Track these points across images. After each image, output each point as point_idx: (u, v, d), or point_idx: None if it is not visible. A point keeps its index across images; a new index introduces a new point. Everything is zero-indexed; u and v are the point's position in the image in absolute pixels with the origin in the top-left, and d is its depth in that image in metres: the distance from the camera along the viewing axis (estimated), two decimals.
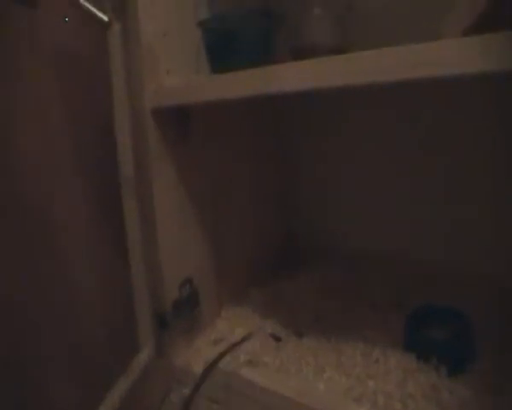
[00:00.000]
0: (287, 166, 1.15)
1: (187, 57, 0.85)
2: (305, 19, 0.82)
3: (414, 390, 0.73)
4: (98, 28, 0.77)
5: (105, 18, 0.76)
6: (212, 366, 0.82)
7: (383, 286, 0.98)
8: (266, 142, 1.10)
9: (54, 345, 0.77)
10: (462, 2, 0.61)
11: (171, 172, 0.84)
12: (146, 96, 0.78)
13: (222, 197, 0.96)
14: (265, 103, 1.07)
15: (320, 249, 1.13)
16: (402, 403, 0.71)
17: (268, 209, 1.10)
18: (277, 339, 0.88)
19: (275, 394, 0.76)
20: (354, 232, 1.11)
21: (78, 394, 0.82)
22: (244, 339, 0.87)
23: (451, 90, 0.89)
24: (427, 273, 0.97)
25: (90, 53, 0.85)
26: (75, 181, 0.85)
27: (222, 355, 0.84)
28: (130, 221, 0.83)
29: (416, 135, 0.99)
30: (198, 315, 0.92)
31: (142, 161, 0.80)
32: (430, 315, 0.84)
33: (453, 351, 0.78)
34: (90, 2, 0.74)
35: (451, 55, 0.52)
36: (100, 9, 0.75)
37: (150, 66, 0.78)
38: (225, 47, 0.77)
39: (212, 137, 0.92)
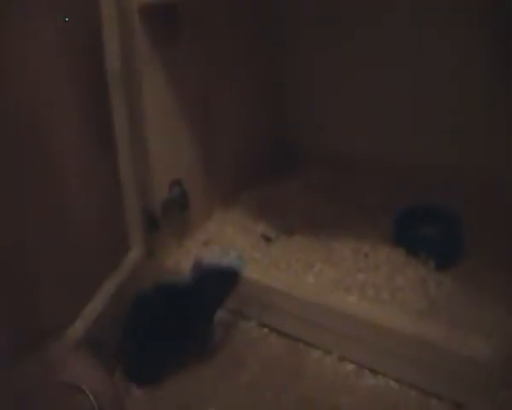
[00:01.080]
0: (274, 71, 1.13)
1: None
2: None
3: (402, 283, 0.74)
4: None
5: None
6: None
7: (371, 188, 0.98)
8: (254, 47, 1.07)
9: (43, 248, 0.76)
10: None
11: (159, 71, 0.82)
12: None
13: (210, 101, 0.94)
14: (254, 6, 1.04)
15: (308, 154, 1.12)
16: (390, 294, 0.72)
17: (256, 115, 1.09)
18: (268, 239, 0.88)
19: (265, 287, 0.76)
20: (342, 137, 1.09)
21: (68, 294, 0.82)
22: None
23: None
24: (415, 177, 0.96)
25: None
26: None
27: None
28: (119, 117, 0.82)
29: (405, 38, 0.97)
30: (188, 217, 0.91)
31: (129, 60, 0.78)
32: (419, 214, 0.84)
33: (441, 246, 0.79)
34: None
35: None
36: None
37: None
38: None
39: (200, 40, 0.90)
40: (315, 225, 0.89)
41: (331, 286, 0.75)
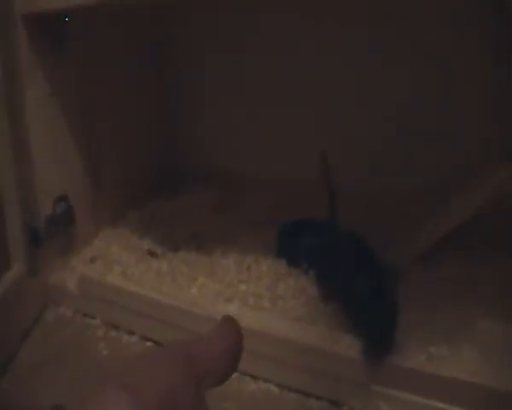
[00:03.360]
0: (167, 83, 1.14)
1: None
2: None
3: (283, 292, 0.76)
4: None
5: None
6: None
7: (260, 205, 1.00)
8: (146, 65, 1.08)
9: None
10: None
11: (43, 83, 0.81)
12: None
13: (98, 116, 0.94)
14: (147, 29, 1.06)
15: (197, 171, 1.13)
16: (271, 302, 0.74)
17: (146, 133, 1.09)
18: (153, 254, 0.88)
19: (147, 299, 0.76)
20: (232, 154, 1.12)
21: None
22: None
23: None
24: (302, 192, 0.99)
25: None
26: None
27: None
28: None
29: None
30: (74, 234, 0.90)
31: (11, 69, 0.77)
32: (301, 227, 0.86)
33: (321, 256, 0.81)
34: None
35: None
36: None
37: None
38: None
39: (90, 54, 0.90)
40: (200, 240, 0.90)
41: (213, 297, 0.75)
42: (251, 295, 0.75)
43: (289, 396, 0.67)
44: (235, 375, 0.70)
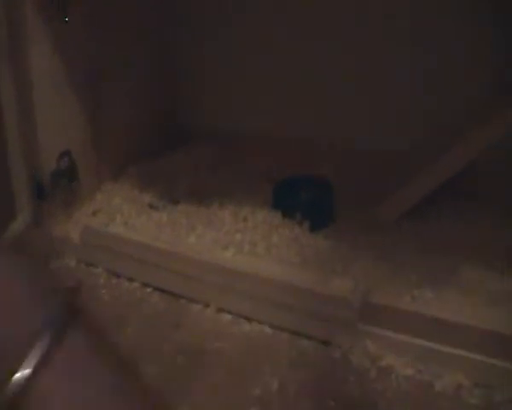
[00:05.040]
0: (167, 42, 1.15)
1: None
2: None
3: (278, 241, 0.79)
4: None
5: None
6: None
7: (255, 161, 1.03)
8: (147, 23, 1.10)
9: None
10: None
11: (47, 41, 0.83)
12: None
13: (100, 75, 0.96)
14: None
15: (198, 131, 1.15)
16: (266, 250, 0.77)
17: (147, 91, 1.11)
18: (154, 207, 0.91)
19: (148, 247, 0.79)
20: (231, 113, 1.14)
21: None
22: None
23: None
24: (300, 151, 1.02)
25: None
26: None
27: None
28: (4, 87, 0.82)
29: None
30: (77, 188, 0.93)
31: (16, 28, 0.79)
32: (297, 183, 0.89)
33: (315, 209, 0.85)
34: None
35: None
36: None
37: None
38: None
39: (92, 14, 0.92)
40: (199, 194, 0.93)
41: (210, 245, 0.79)
42: (246, 243, 0.78)
43: (282, 336, 0.71)
44: (229, 317, 0.74)
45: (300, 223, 0.82)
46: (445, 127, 0.86)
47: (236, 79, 1.12)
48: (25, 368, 0.33)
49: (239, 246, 0.77)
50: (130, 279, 0.82)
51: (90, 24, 0.91)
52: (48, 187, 0.87)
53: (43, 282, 0.42)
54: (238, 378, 0.65)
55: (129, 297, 0.80)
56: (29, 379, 0.33)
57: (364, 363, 0.65)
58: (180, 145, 1.11)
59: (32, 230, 0.87)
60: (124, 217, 0.87)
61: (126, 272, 0.83)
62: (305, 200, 0.86)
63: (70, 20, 0.86)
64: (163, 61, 1.15)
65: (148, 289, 0.81)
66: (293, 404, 0.61)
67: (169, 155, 1.07)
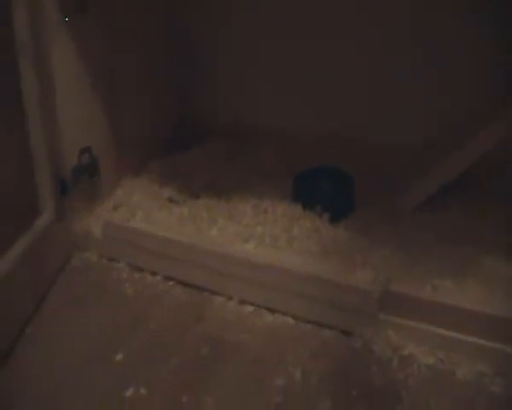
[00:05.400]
0: (180, 46, 1.17)
1: None
2: None
3: (298, 233, 0.80)
4: None
5: None
6: None
7: (273, 156, 1.05)
8: (160, 22, 1.11)
9: None
10: None
11: (68, 41, 0.84)
12: None
13: (117, 73, 0.97)
14: None
15: (213, 127, 1.16)
16: (287, 242, 0.78)
17: (162, 89, 1.12)
18: (174, 202, 0.92)
19: (169, 241, 0.81)
20: (246, 110, 1.15)
21: None
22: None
23: None
24: (316, 146, 1.03)
25: None
26: None
27: None
28: (28, 86, 0.84)
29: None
30: (98, 184, 0.94)
31: (39, 29, 0.80)
32: (316, 174, 0.90)
33: (335, 201, 0.85)
34: None
35: None
36: None
37: None
38: None
39: (107, 14, 0.93)
40: (218, 188, 0.94)
41: (232, 238, 0.80)
42: (267, 235, 0.79)
43: (304, 327, 0.72)
44: (251, 308, 0.75)
45: (320, 215, 0.83)
46: (459, 125, 0.87)
47: (250, 79, 1.13)
48: None
49: (260, 238, 0.78)
50: (153, 273, 0.84)
51: (104, 24, 0.92)
52: (70, 183, 0.88)
53: None
54: (261, 369, 0.66)
55: (152, 291, 0.81)
56: None
57: (386, 352, 0.66)
58: (195, 141, 1.12)
59: (55, 225, 0.88)
60: (145, 212, 0.88)
61: (148, 265, 0.84)
62: (324, 192, 0.86)
63: (87, 19, 0.88)
64: (177, 62, 1.17)
65: (171, 283, 0.82)
66: (315, 393, 0.62)
67: (185, 151, 1.08)
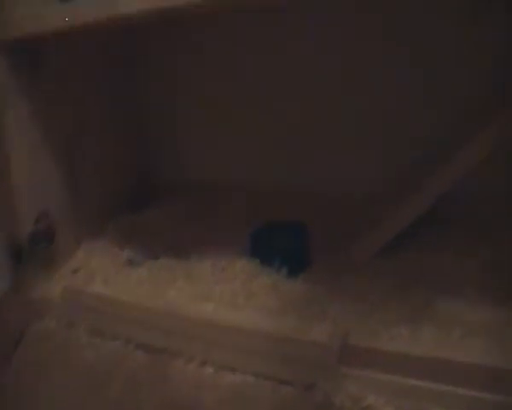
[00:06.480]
0: (139, 103, 1.18)
1: None
2: None
3: (257, 289, 0.81)
4: None
5: None
6: None
7: (231, 212, 1.06)
8: (119, 88, 1.13)
9: None
10: None
11: (22, 105, 0.85)
12: None
13: (76, 134, 0.98)
14: (116, 40, 1.11)
15: (172, 185, 1.18)
16: (245, 299, 0.78)
17: (120, 151, 1.13)
18: (134, 264, 0.92)
19: (128, 304, 0.80)
20: (204, 168, 1.17)
21: None
22: None
23: None
24: (274, 200, 1.05)
25: None
26: None
27: None
28: None
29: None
30: (56, 248, 0.94)
31: None
32: (272, 230, 0.91)
33: (291, 255, 0.86)
34: None
35: None
36: None
37: None
38: None
39: (66, 73, 0.94)
40: (178, 248, 0.95)
41: (191, 298, 0.80)
42: (226, 293, 0.80)
43: (265, 384, 0.71)
44: (213, 368, 0.75)
45: (278, 269, 0.84)
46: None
47: (207, 135, 1.15)
48: None
49: (219, 297, 0.79)
50: (113, 337, 0.82)
51: (61, 82, 0.93)
52: (26, 250, 0.87)
53: None
54: None
55: (112, 355, 0.80)
56: None
57: (347, 405, 0.66)
58: (154, 198, 1.13)
59: (11, 295, 0.87)
60: (103, 275, 0.88)
61: (108, 329, 0.83)
62: (280, 247, 0.87)
63: (44, 85, 0.88)
64: (135, 125, 1.18)
65: (131, 346, 0.81)
66: None
67: (144, 211, 1.09)
